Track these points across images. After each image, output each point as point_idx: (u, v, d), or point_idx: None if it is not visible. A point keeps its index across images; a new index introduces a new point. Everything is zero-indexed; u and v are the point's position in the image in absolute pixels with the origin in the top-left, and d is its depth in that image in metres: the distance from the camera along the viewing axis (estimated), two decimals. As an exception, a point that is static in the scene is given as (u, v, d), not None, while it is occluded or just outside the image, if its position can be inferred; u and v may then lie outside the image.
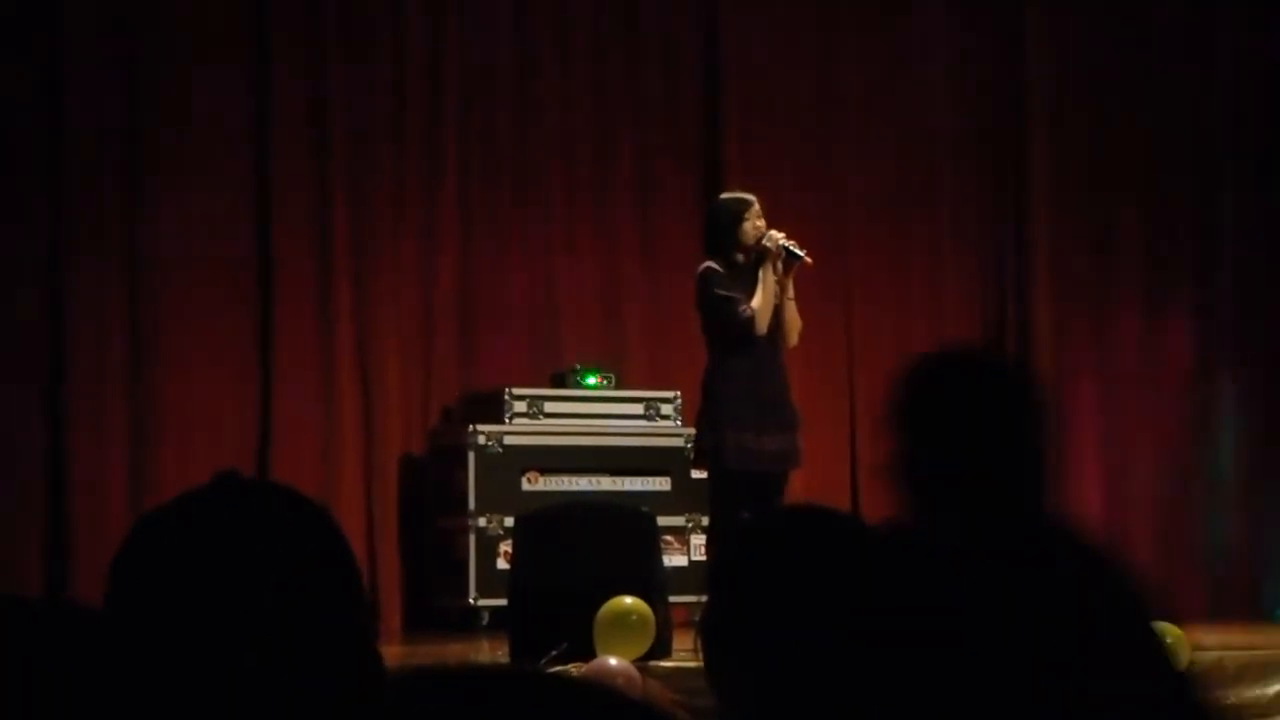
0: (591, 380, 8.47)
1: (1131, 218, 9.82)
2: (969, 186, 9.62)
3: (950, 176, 9.57)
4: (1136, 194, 9.83)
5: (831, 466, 8.94)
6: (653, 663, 6.16)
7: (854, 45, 9.41)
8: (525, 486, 8.03)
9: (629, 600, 6.21)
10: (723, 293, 6.69)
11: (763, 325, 6.68)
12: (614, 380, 8.51)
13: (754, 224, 6.77)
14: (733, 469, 6.65)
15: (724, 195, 7.14)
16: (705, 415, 6.79)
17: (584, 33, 8.95)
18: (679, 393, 8.29)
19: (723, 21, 9.13)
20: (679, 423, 8.27)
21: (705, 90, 9.14)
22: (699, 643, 1.98)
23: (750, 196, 6.88)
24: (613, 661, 5.97)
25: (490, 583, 7.78)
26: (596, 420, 8.28)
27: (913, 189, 9.49)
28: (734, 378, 6.69)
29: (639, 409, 8.38)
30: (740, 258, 6.76)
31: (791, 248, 6.72)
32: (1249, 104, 9.94)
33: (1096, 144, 9.80)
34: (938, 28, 9.55)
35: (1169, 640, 6.17)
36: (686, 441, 7.90)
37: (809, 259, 6.76)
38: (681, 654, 6.32)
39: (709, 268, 6.75)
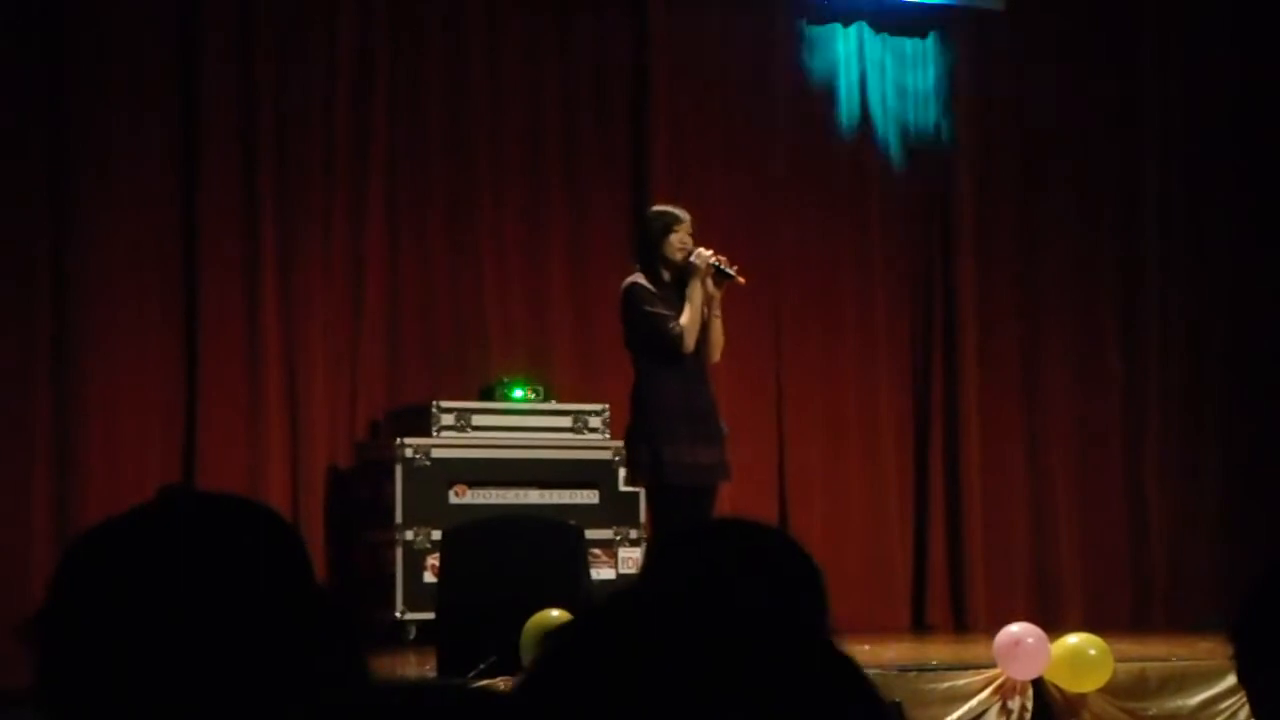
0: (520, 393, 8.45)
1: (1058, 245, 9.91)
2: (899, 209, 9.66)
3: (880, 197, 9.60)
4: (1062, 219, 9.93)
5: (760, 481, 8.95)
6: (580, 676, 6.14)
7: (786, 72, 9.44)
8: (453, 499, 8.00)
9: (556, 613, 6.20)
10: (650, 309, 6.65)
11: (690, 342, 6.65)
12: (542, 393, 8.50)
13: (681, 239, 6.74)
14: (673, 483, 6.61)
15: (654, 208, 7.07)
16: (639, 430, 6.71)
17: (514, 50, 8.93)
18: (607, 406, 8.28)
19: (655, 40, 9.13)
20: (607, 436, 8.26)
21: (635, 107, 9.14)
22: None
23: (681, 212, 6.83)
24: (540, 675, 5.94)
25: (417, 596, 7.75)
26: (524, 433, 8.26)
27: (843, 209, 9.53)
28: (665, 393, 6.65)
29: (567, 422, 8.37)
30: (666, 273, 6.75)
31: (721, 265, 6.70)
32: (1173, 151, 10.08)
33: (1023, 172, 9.89)
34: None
35: (1094, 652, 6.14)
36: (615, 455, 7.91)
37: (741, 279, 6.74)
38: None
39: (636, 283, 6.71)
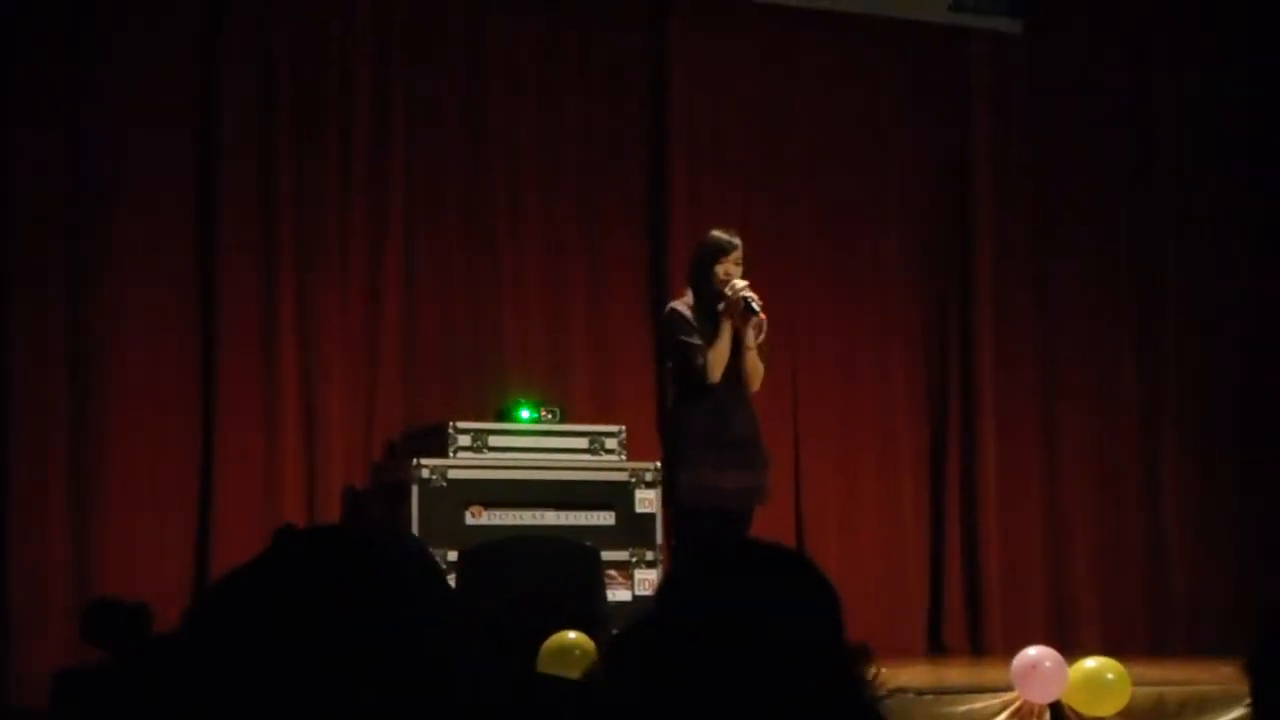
0: (536, 414, 8.45)
1: (1074, 267, 9.90)
2: (915, 234, 9.65)
3: (896, 224, 9.60)
4: (1078, 243, 9.92)
5: (776, 504, 8.90)
6: (596, 698, 6.13)
7: (802, 92, 9.44)
8: (469, 520, 8.00)
9: (572, 635, 6.19)
10: (685, 338, 6.73)
11: (716, 374, 6.71)
12: (558, 414, 8.50)
13: (726, 269, 6.76)
14: (688, 506, 6.69)
15: (712, 233, 6.98)
16: (666, 454, 6.89)
17: (532, 72, 8.95)
18: (623, 427, 8.28)
19: (673, 63, 9.14)
20: (623, 457, 8.26)
21: (653, 130, 9.15)
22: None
23: (730, 239, 6.81)
24: (556, 697, 5.94)
25: (433, 617, 7.72)
26: (541, 454, 8.25)
27: (859, 237, 9.52)
28: (691, 418, 6.74)
29: (583, 443, 8.37)
30: (709, 299, 6.78)
31: (749, 299, 6.72)
32: (1187, 155, 10.09)
33: (1039, 196, 9.88)
34: (886, 78, 9.61)
35: (1112, 676, 6.12)
36: (631, 476, 7.92)
37: (763, 315, 6.75)
38: (625, 689, 6.29)
39: (675, 309, 6.80)
